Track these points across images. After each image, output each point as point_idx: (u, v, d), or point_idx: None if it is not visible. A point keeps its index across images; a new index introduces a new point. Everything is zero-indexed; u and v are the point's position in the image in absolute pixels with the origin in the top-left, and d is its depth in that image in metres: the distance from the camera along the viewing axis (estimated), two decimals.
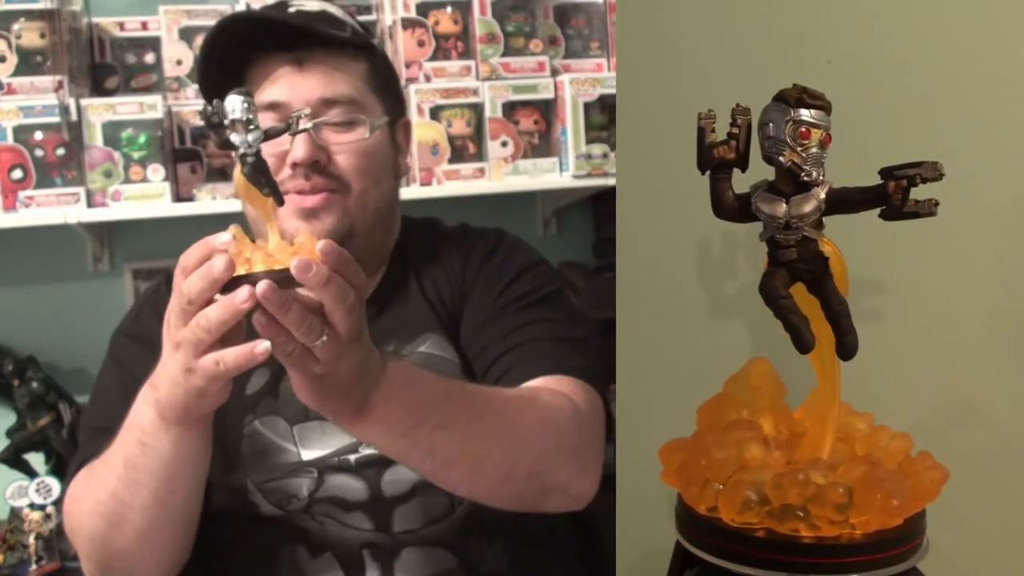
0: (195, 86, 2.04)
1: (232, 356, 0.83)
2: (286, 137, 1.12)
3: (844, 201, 0.83)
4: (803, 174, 0.82)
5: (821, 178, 0.83)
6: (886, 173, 0.80)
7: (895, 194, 0.79)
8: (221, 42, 1.17)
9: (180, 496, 1.01)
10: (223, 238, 0.82)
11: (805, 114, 0.82)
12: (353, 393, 0.88)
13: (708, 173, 0.89)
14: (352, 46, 1.19)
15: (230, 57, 1.17)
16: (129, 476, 0.98)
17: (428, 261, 1.26)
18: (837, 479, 0.90)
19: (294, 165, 1.14)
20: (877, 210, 0.84)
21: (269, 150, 1.13)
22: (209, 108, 0.83)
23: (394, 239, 1.28)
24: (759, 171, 0.89)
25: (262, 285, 0.79)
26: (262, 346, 0.81)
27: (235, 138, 0.82)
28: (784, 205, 0.84)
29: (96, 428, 1.15)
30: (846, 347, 0.86)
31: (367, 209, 1.19)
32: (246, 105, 0.82)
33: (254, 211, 0.88)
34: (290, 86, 1.16)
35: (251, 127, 0.82)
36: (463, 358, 1.19)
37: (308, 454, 1.15)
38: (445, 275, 1.25)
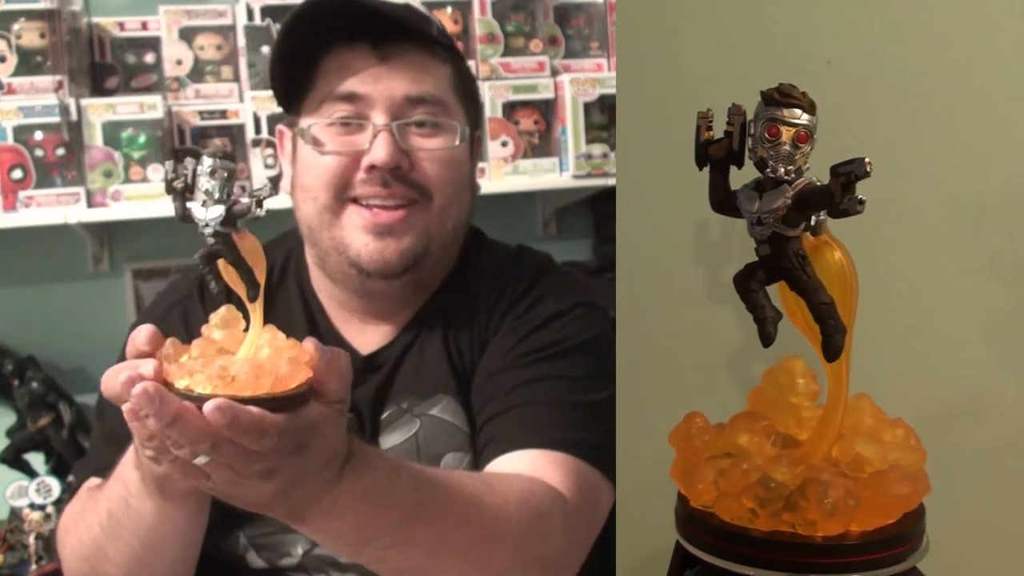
0: (195, 86, 2.04)
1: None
2: (365, 136, 1.02)
3: (804, 199, 0.83)
4: (768, 170, 0.83)
5: (792, 175, 0.83)
6: (832, 171, 0.81)
7: (835, 191, 0.80)
8: (302, 27, 1.04)
9: (165, 562, 0.90)
10: (145, 370, 0.67)
11: (776, 112, 0.82)
12: (270, 510, 0.75)
13: (708, 169, 0.89)
14: (440, 46, 1.08)
15: (311, 44, 1.05)
16: (112, 530, 0.88)
17: (459, 302, 1.12)
18: (789, 477, 0.90)
19: (371, 168, 1.02)
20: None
21: (343, 148, 1.03)
22: (170, 171, 0.70)
23: (450, 266, 1.14)
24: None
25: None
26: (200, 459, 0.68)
27: (197, 212, 0.70)
28: (758, 201, 0.84)
29: (106, 436, 1.05)
30: (829, 348, 0.86)
31: (445, 227, 1.07)
32: (223, 173, 0.69)
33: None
34: (373, 79, 1.03)
35: (215, 200, 0.69)
36: (473, 425, 1.06)
37: None
38: (471, 321, 1.10)
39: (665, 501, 1.00)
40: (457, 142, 1.07)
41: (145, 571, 0.89)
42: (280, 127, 1.16)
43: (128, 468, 0.83)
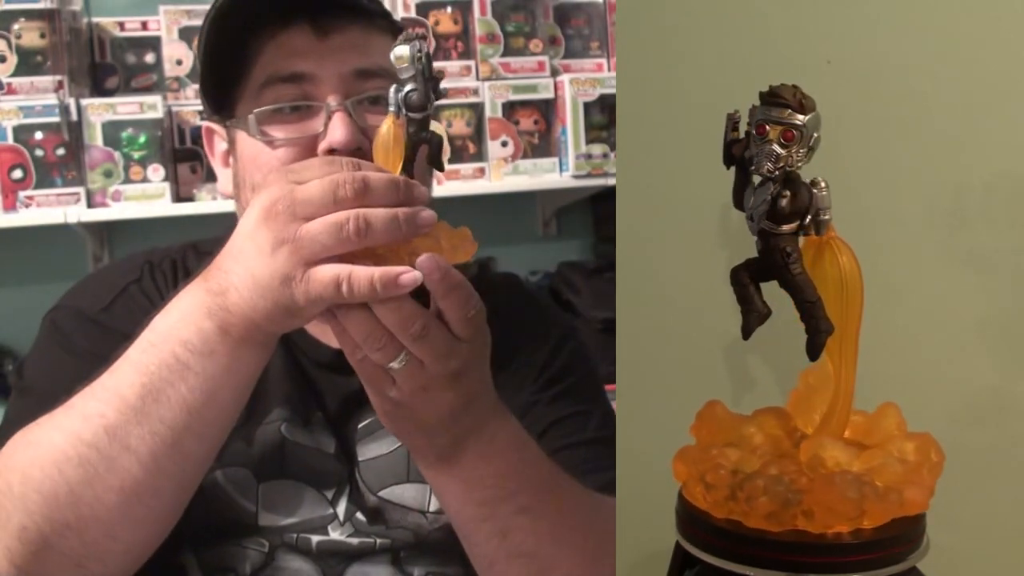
0: (195, 86, 2.04)
1: (365, 279, 0.65)
2: (318, 120, 0.93)
3: (777, 199, 0.84)
4: (753, 167, 0.84)
5: (776, 173, 0.83)
6: None
7: (778, 187, 0.82)
8: (235, 10, 0.95)
9: (204, 447, 0.77)
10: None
11: (767, 111, 0.83)
12: (437, 436, 0.75)
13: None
14: (380, 17, 0.99)
15: (245, 27, 0.95)
16: (143, 410, 0.73)
17: None
18: (754, 468, 0.90)
19: (330, 153, 0.90)
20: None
21: (292, 134, 0.94)
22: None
23: None
24: None
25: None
26: (410, 275, 0.65)
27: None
28: (752, 198, 0.85)
29: (33, 391, 0.95)
30: (810, 346, 0.86)
31: None
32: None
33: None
34: (318, 57, 0.94)
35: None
36: None
37: (268, 519, 0.95)
38: None
39: (665, 501, 1.00)
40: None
41: (174, 462, 0.76)
42: (208, 124, 1.04)
43: (188, 325, 0.73)
